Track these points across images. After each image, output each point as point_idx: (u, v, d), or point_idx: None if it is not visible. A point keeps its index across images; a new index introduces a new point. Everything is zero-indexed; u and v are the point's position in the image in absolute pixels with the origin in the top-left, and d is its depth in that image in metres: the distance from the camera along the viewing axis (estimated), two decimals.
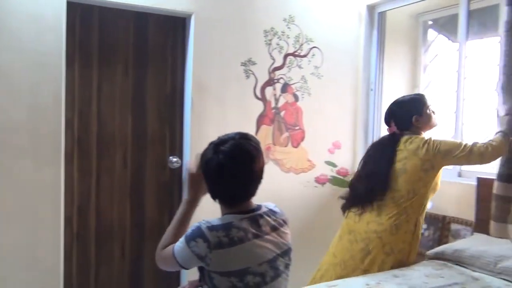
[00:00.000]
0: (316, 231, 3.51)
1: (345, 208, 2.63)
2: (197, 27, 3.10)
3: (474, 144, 2.37)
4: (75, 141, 2.92)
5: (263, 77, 3.35)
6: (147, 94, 3.12)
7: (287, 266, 1.65)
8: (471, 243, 2.56)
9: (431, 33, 3.71)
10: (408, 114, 2.54)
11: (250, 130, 3.31)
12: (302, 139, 3.53)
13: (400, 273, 2.36)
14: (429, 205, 2.59)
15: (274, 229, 1.62)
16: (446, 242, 3.00)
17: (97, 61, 2.96)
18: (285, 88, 3.44)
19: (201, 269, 1.58)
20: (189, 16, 3.12)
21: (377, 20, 3.69)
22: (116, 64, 3.02)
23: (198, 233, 1.50)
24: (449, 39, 3.64)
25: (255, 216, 1.59)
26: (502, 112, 2.59)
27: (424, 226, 3.21)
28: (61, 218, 2.76)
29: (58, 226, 2.75)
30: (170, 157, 3.17)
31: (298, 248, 3.48)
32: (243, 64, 3.27)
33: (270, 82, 3.38)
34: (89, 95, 2.95)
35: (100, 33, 2.95)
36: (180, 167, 3.21)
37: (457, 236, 2.99)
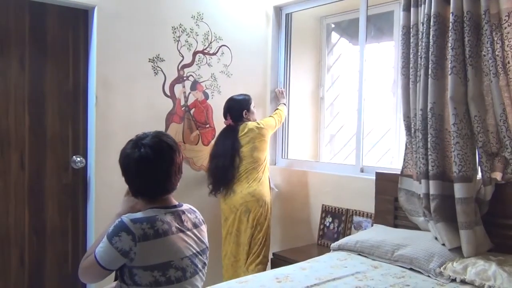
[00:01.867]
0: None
1: (215, 191, 3.28)
2: (100, 20, 2.96)
3: (275, 115, 3.49)
4: None
5: (172, 74, 3.29)
6: (46, 90, 2.92)
7: (204, 265, 1.67)
8: (371, 234, 2.73)
9: (334, 36, 3.90)
10: (241, 109, 3.32)
11: (159, 128, 3.23)
12: (213, 137, 3.52)
13: (307, 265, 2.46)
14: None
15: (195, 226, 1.65)
16: (349, 234, 3.18)
17: None
18: (194, 85, 3.41)
19: (120, 269, 1.53)
20: (92, 8, 2.97)
21: (284, 21, 3.80)
22: (10, 57, 2.78)
23: (121, 227, 1.46)
24: (350, 42, 3.85)
25: (177, 211, 1.61)
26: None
27: (329, 219, 3.38)
28: None
29: None
30: (74, 157, 3.00)
31: (210, 244, 3.50)
32: (151, 60, 3.18)
33: (179, 79, 3.33)
34: None
35: None
36: (85, 167, 3.05)
37: (359, 227, 3.18)
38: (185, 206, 1.69)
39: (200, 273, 1.64)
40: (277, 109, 3.60)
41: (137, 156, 1.56)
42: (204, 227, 1.72)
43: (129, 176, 1.60)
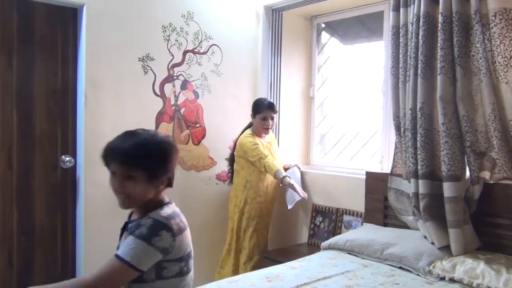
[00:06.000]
0: (217, 227, 3.54)
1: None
2: (89, 19, 2.93)
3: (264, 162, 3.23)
4: None
5: (162, 74, 3.28)
6: (35, 89, 2.89)
7: None
8: (361, 233, 2.75)
9: (325, 35, 3.91)
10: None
11: (149, 127, 3.14)
12: (203, 136, 3.51)
13: (298, 264, 2.47)
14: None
15: None
16: (339, 233, 3.19)
17: None
18: (184, 85, 3.40)
19: None
20: (80, 6, 2.95)
21: (274, 20, 3.79)
22: None
23: (160, 226, 1.48)
24: (340, 42, 3.86)
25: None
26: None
27: (320, 219, 3.39)
28: None
29: None
30: (63, 157, 2.98)
31: (201, 244, 3.50)
32: (141, 59, 3.17)
33: (169, 78, 3.32)
34: None
35: None
36: (74, 167, 3.02)
37: (349, 226, 3.20)
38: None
39: None
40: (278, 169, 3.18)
41: (173, 145, 1.61)
42: None
43: (168, 163, 1.58)
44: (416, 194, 2.59)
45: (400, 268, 2.37)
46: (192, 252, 1.62)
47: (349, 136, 3.64)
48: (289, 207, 3.35)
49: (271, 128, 3.35)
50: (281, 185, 3.23)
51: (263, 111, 3.27)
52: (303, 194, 3.17)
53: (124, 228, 1.66)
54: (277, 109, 3.45)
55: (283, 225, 3.68)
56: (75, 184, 3.05)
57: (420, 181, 2.56)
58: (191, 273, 1.61)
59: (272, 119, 3.31)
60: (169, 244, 1.47)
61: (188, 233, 1.59)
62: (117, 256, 1.44)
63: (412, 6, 2.62)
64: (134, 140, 1.54)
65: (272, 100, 3.67)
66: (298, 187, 3.18)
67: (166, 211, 1.55)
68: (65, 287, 1.43)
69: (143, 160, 1.51)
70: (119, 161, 1.51)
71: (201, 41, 3.46)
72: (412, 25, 2.62)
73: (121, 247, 1.47)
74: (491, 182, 2.47)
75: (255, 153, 3.18)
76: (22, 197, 2.87)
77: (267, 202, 3.33)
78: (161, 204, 1.59)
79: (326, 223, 3.35)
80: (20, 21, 2.82)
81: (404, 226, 2.80)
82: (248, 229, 3.25)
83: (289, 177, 3.17)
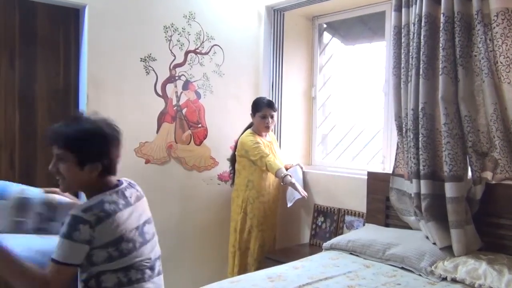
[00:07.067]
0: (219, 227, 3.54)
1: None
2: (91, 20, 2.94)
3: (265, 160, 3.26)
4: None
5: (164, 74, 3.28)
6: (37, 89, 2.89)
7: (154, 234, 1.77)
8: (362, 233, 2.74)
9: (326, 36, 3.91)
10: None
11: (151, 127, 3.22)
12: (205, 136, 3.52)
13: (300, 264, 2.47)
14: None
15: (138, 199, 1.74)
16: (341, 233, 3.19)
17: None
18: (186, 85, 3.40)
19: None
20: (83, 7, 2.95)
21: (276, 21, 3.80)
22: (0, 56, 2.75)
23: (77, 221, 1.53)
24: (342, 42, 3.86)
25: (121, 189, 1.69)
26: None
27: (321, 219, 3.39)
28: None
29: None
30: None
31: (203, 244, 3.50)
32: (143, 60, 3.17)
33: (171, 79, 3.32)
34: None
35: None
36: None
37: (350, 227, 3.19)
38: (125, 182, 1.76)
39: (152, 241, 1.73)
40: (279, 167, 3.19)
41: (112, 131, 1.67)
42: (145, 199, 1.80)
43: (101, 148, 1.64)
44: (418, 194, 2.59)
45: (402, 268, 2.37)
46: (129, 235, 1.62)
47: (351, 136, 3.64)
48: (289, 205, 3.36)
49: (271, 126, 3.35)
50: (282, 183, 3.23)
51: (262, 109, 3.29)
52: (303, 193, 3.17)
53: None
54: (277, 107, 3.46)
55: (285, 226, 3.67)
56: None
57: (422, 182, 2.56)
58: (133, 256, 1.62)
59: (272, 117, 3.32)
60: (89, 235, 1.53)
61: (117, 218, 1.59)
62: (51, 259, 1.54)
63: (414, 6, 2.62)
64: (70, 123, 1.64)
65: (273, 100, 3.69)
66: (299, 186, 3.19)
67: (90, 202, 1.60)
68: (30, 270, 1.50)
69: (72, 142, 1.60)
70: (51, 142, 1.61)
71: (203, 42, 3.46)
72: (414, 25, 2.61)
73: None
74: (493, 182, 2.47)
75: (256, 151, 3.19)
76: None
77: (270, 202, 3.33)
78: (105, 189, 1.65)
79: (328, 223, 3.34)
80: (22, 21, 2.83)
81: (406, 226, 2.80)
82: (253, 230, 3.25)
83: (290, 175, 3.17)
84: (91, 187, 1.65)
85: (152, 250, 1.73)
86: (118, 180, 1.74)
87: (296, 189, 3.16)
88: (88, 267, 1.58)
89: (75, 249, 1.53)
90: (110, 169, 1.67)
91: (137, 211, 1.69)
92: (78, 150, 1.60)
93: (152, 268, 1.70)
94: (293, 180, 3.16)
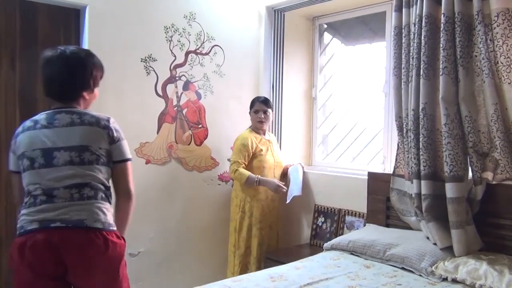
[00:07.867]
0: (220, 227, 3.54)
1: None
2: (91, 20, 2.94)
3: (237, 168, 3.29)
4: None
5: (164, 74, 3.28)
6: (37, 90, 2.89)
7: (82, 161, 1.80)
8: (363, 234, 2.74)
9: (327, 36, 3.91)
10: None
11: (152, 128, 3.22)
12: (205, 137, 3.52)
13: (301, 264, 2.47)
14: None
15: (70, 125, 1.82)
16: (342, 234, 3.19)
17: None
18: (187, 85, 3.40)
19: None
20: (83, 7, 2.95)
21: (276, 21, 3.80)
22: (0, 57, 2.75)
23: (14, 136, 1.90)
24: (342, 42, 3.86)
25: (55, 111, 1.85)
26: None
27: (322, 219, 3.39)
28: None
29: None
30: None
31: (203, 244, 3.50)
32: (143, 60, 3.17)
33: (172, 79, 3.32)
34: None
35: None
36: None
37: (351, 227, 3.19)
38: (80, 110, 1.89)
39: (66, 167, 1.79)
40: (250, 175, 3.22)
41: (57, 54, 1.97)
42: (92, 129, 1.86)
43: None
44: (419, 194, 2.59)
45: (403, 268, 2.37)
46: (33, 155, 1.81)
47: (351, 136, 3.64)
48: (287, 201, 3.36)
49: (265, 122, 3.36)
50: (255, 185, 3.22)
51: (255, 104, 3.37)
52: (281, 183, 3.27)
53: None
54: (272, 105, 3.48)
55: (286, 226, 3.67)
56: None
57: (423, 182, 2.56)
58: (28, 173, 1.81)
59: (265, 112, 3.35)
60: (14, 145, 1.89)
61: (26, 136, 1.83)
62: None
63: (414, 6, 2.62)
64: None
65: (274, 101, 3.69)
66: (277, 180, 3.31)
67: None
68: None
69: None
70: None
71: (203, 42, 3.46)
72: (414, 25, 2.61)
73: None
74: (494, 182, 2.46)
75: (236, 155, 3.27)
76: None
77: (268, 200, 3.33)
78: None
79: (328, 223, 3.35)
80: (23, 22, 2.83)
81: (407, 226, 2.80)
82: (252, 228, 3.26)
83: (259, 176, 3.23)
84: None
85: (70, 169, 1.80)
86: (78, 109, 1.91)
87: (268, 182, 3.23)
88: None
89: (12, 158, 1.93)
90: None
91: (56, 135, 1.81)
92: None
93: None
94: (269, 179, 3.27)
